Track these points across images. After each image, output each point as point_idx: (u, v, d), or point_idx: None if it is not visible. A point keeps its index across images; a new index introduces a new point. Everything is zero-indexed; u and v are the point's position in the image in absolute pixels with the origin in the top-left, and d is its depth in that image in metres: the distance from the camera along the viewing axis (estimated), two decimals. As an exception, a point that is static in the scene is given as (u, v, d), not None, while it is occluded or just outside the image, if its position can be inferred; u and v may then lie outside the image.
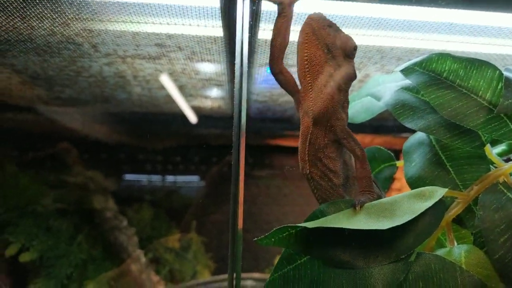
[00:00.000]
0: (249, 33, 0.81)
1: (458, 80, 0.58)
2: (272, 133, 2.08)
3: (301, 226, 0.48)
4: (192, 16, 0.98)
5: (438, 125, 0.58)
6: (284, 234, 0.49)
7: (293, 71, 0.63)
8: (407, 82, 0.66)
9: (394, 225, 0.45)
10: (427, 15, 0.98)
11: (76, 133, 1.92)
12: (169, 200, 2.09)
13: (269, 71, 0.64)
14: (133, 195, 2.07)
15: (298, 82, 0.63)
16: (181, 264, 1.86)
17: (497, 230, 0.48)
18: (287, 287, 0.50)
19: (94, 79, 1.44)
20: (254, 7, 0.85)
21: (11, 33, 1.06)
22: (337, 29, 0.60)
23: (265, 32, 1.01)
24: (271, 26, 0.63)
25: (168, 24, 1.03)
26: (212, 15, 0.97)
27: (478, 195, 0.54)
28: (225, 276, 0.84)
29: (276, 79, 0.64)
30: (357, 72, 0.62)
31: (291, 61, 0.63)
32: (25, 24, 1.01)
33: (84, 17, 1.00)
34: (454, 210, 0.56)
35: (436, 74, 0.60)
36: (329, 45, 0.58)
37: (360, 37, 1.07)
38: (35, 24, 1.01)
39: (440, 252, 0.53)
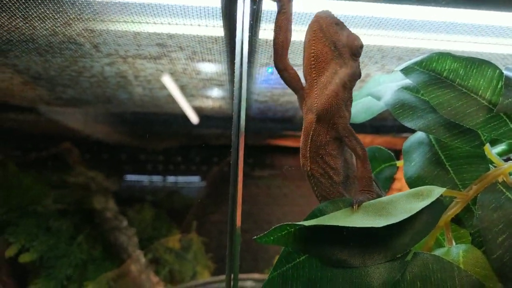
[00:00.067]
0: (249, 32, 0.81)
1: (458, 79, 0.58)
2: (272, 133, 2.07)
3: (300, 225, 0.48)
4: (193, 16, 0.98)
5: (438, 124, 0.58)
6: (283, 233, 0.49)
7: (297, 70, 0.64)
8: (407, 81, 0.66)
9: (389, 223, 0.45)
10: (428, 15, 0.98)
11: (78, 133, 1.92)
12: (170, 201, 2.09)
13: (270, 70, 0.64)
14: (135, 195, 2.07)
15: (302, 79, 0.63)
16: (181, 265, 1.86)
17: (495, 229, 0.48)
18: (285, 286, 0.50)
19: (95, 79, 1.44)
20: (254, 6, 0.85)
21: (13, 33, 1.07)
22: (344, 28, 0.60)
23: (266, 31, 1.01)
24: (272, 26, 0.63)
25: (169, 24, 1.03)
26: (213, 15, 0.97)
27: (477, 194, 0.54)
28: (224, 277, 0.84)
29: (281, 76, 0.64)
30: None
31: (292, 61, 0.63)
32: (27, 25, 1.02)
33: (86, 17, 1.01)
34: (453, 210, 0.55)
35: (436, 74, 0.60)
36: (336, 42, 0.58)
37: (361, 37, 1.07)
38: (37, 24, 1.01)
39: (438, 251, 0.53)
